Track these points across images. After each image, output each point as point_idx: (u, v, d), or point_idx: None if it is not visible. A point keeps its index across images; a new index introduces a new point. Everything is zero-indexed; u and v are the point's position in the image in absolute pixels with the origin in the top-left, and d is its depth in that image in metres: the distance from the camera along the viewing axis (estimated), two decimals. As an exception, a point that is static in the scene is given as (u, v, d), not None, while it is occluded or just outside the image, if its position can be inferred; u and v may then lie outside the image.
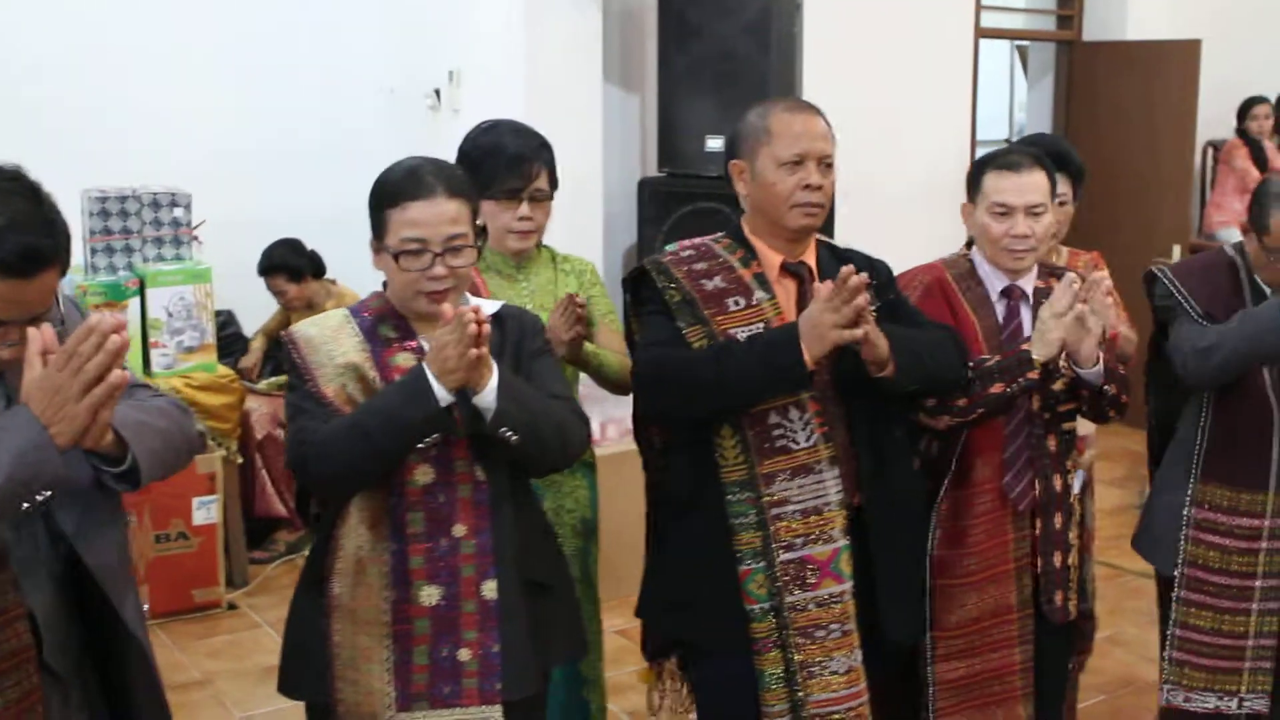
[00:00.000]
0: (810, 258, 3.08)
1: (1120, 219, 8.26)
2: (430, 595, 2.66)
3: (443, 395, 2.55)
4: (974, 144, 8.21)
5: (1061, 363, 3.21)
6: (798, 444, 2.93)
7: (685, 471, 3.05)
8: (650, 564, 3.22)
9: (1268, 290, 3.43)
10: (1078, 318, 3.11)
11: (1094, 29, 8.96)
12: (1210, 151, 9.34)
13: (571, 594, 3.01)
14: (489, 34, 6.35)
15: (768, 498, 2.92)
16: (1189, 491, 3.48)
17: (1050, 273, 3.43)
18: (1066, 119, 8.97)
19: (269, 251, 6.33)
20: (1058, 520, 3.35)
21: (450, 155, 6.61)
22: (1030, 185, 3.29)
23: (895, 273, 3.58)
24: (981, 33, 8.20)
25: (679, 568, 3.07)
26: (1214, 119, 8.91)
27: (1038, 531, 3.33)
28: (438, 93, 6.71)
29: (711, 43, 6.06)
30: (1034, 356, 3.15)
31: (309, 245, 6.44)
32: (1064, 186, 3.75)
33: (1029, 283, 3.38)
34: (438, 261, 2.66)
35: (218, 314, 6.01)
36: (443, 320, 2.56)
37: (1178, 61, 8.27)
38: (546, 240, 3.61)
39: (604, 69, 6.45)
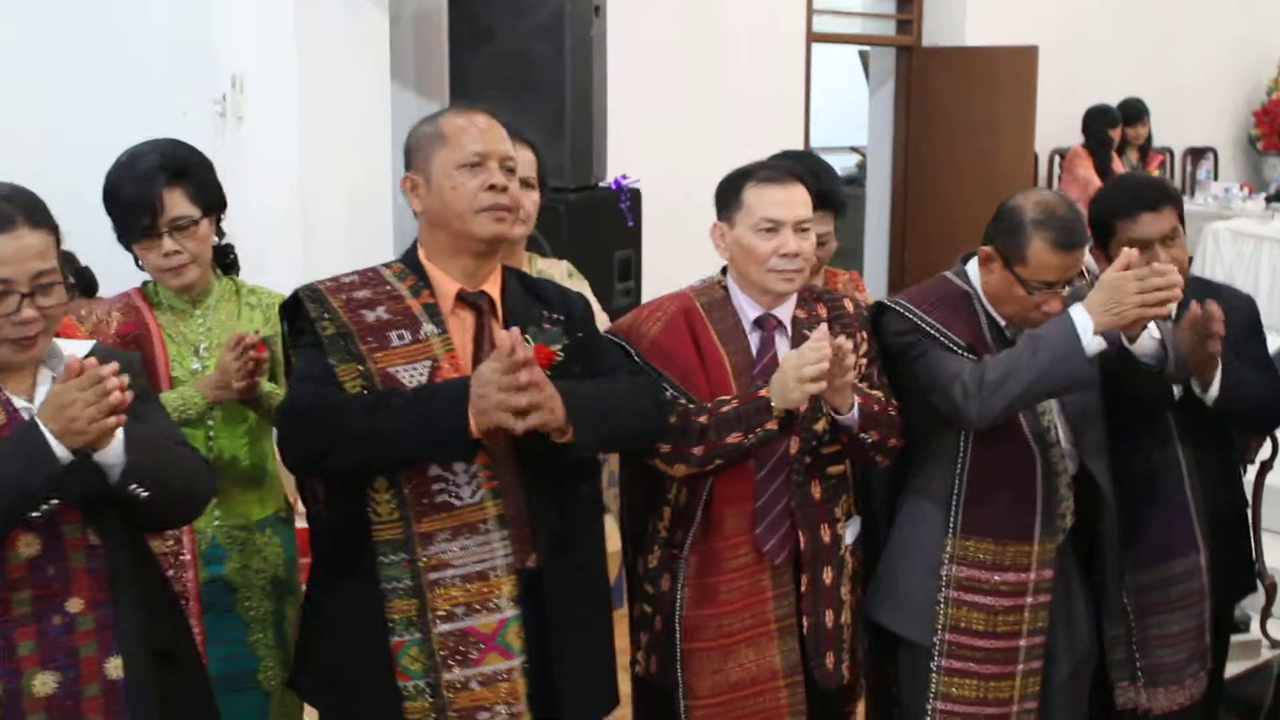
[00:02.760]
0: (494, 286, 2.72)
1: (959, 227, 8.01)
2: (45, 683, 2.31)
3: (63, 454, 2.22)
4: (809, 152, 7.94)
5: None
6: (461, 500, 2.57)
7: (338, 528, 2.69)
8: (302, 631, 2.85)
9: (1002, 323, 3.10)
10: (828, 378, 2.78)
11: (933, 34, 8.75)
12: (1056, 159, 9.17)
13: (199, 667, 2.67)
14: (269, 37, 5.94)
15: (424, 561, 2.57)
16: (947, 548, 3.08)
17: (816, 298, 3.09)
18: (906, 125, 8.74)
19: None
20: (827, 575, 3.01)
21: (236, 165, 6.26)
22: (798, 199, 2.96)
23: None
24: (814, 37, 7.93)
25: (329, 638, 2.71)
26: (1060, 127, 8.74)
27: (803, 588, 2.98)
28: (226, 98, 6.29)
29: (505, 45, 5.68)
30: (772, 404, 2.82)
31: (92, 264, 5.97)
32: (826, 224, 3.40)
33: (786, 311, 3.03)
34: (25, 303, 2.29)
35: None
36: (67, 372, 2.22)
37: (1015, 68, 8.10)
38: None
39: (398, 73, 6.08)
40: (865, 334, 3.07)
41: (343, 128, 5.72)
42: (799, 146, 7.78)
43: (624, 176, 5.98)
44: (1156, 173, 9.52)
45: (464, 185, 2.60)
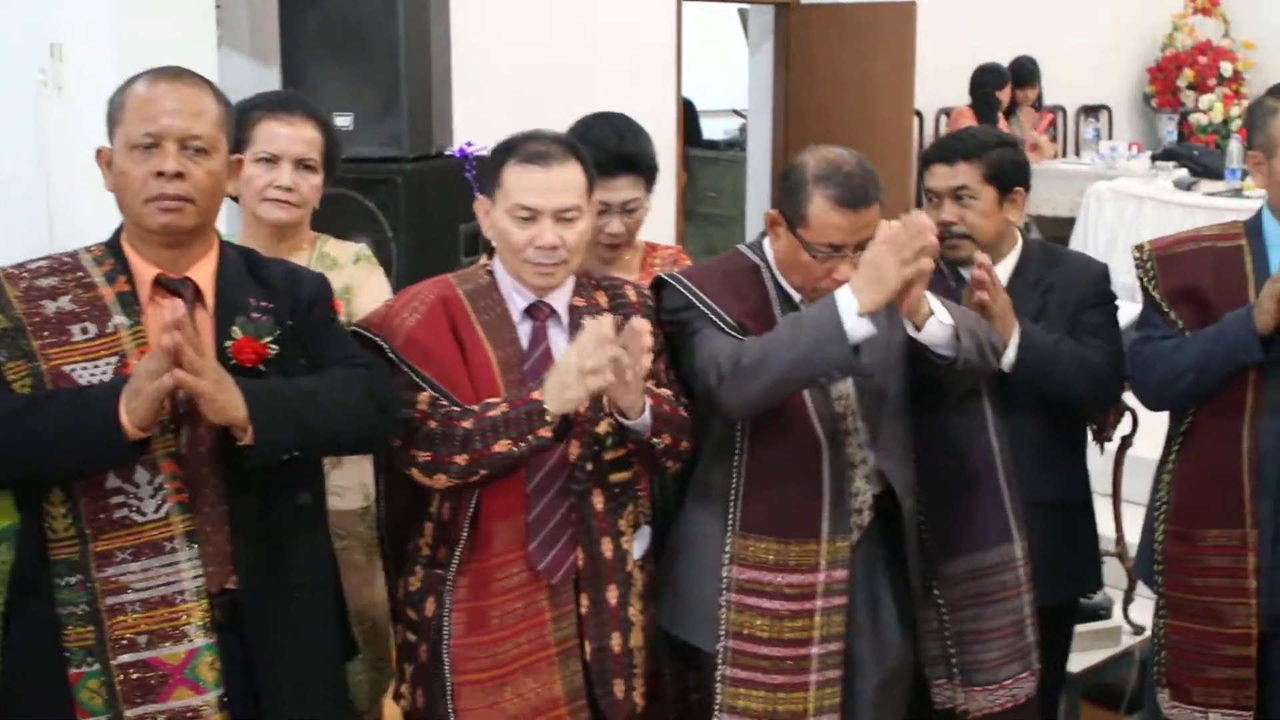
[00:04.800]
0: (203, 270, 2.42)
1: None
2: None
3: None
4: (681, 115, 7.67)
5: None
6: (144, 515, 2.29)
7: (23, 546, 2.40)
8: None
9: (796, 296, 2.82)
10: (615, 370, 2.48)
11: (812, -9, 8.47)
12: (942, 118, 8.94)
13: None
14: (86, 2, 5.56)
15: (100, 584, 2.28)
16: (726, 547, 2.80)
17: (596, 285, 2.79)
18: (786, 85, 8.47)
19: None
20: (611, 594, 2.71)
21: (58, 137, 5.86)
22: (561, 183, 2.62)
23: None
24: (685, -5, 7.62)
25: (11, 666, 2.42)
26: (946, 84, 8.52)
27: (584, 610, 2.69)
28: (46, 68, 5.90)
29: (337, 6, 5.32)
30: (546, 408, 2.51)
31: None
32: (635, 190, 3.11)
33: (561, 298, 2.72)
34: None
35: None
36: None
37: (894, 23, 7.87)
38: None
39: (229, 38, 5.73)
40: (651, 324, 2.74)
41: (166, 95, 5.37)
42: (671, 109, 7.51)
43: (469, 144, 5.65)
44: (1046, 133, 9.33)
45: (132, 171, 2.31)
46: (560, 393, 2.50)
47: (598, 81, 6.82)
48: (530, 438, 2.52)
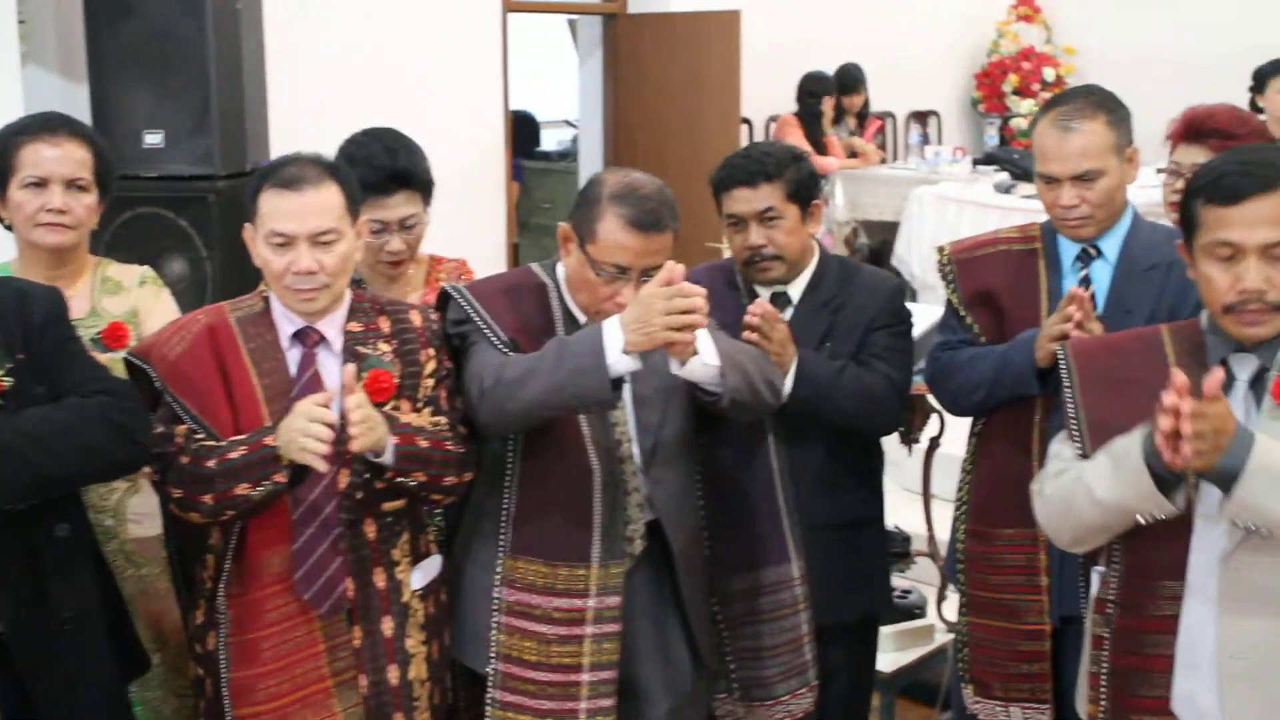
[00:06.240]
0: None
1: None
2: None
3: None
4: (509, 125, 7.65)
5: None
6: None
7: None
8: None
9: (582, 318, 2.79)
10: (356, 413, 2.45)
11: (639, 0, 8.48)
12: (771, 126, 9.03)
13: None
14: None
15: None
16: (498, 569, 2.77)
17: (379, 310, 2.74)
18: (616, 95, 8.49)
19: None
20: (386, 626, 2.66)
21: None
22: (314, 207, 2.58)
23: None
24: (512, 6, 7.60)
25: None
26: (774, 91, 8.60)
27: (357, 643, 2.64)
28: None
29: (145, 22, 5.15)
30: (278, 454, 2.48)
31: None
32: (412, 206, 3.10)
33: (333, 323, 2.67)
34: None
35: None
36: None
37: (719, 32, 7.90)
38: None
39: (36, 54, 5.60)
40: (435, 349, 2.74)
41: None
42: (499, 119, 7.48)
43: (284, 161, 5.58)
44: (874, 139, 9.47)
45: None
46: (290, 444, 2.46)
47: (422, 94, 6.76)
48: (266, 482, 2.49)
